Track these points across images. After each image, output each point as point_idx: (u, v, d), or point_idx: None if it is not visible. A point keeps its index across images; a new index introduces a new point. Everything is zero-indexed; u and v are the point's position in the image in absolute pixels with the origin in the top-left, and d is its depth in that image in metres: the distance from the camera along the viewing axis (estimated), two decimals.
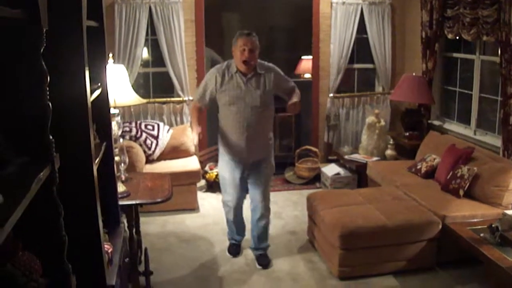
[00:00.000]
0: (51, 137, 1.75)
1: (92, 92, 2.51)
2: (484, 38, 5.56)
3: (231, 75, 4.53)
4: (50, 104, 1.73)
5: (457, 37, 6.19)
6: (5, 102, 1.70)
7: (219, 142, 4.81)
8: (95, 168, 2.41)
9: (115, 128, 3.92)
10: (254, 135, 4.58)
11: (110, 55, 4.07)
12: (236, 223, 5.00)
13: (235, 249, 5.09)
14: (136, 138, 6.27)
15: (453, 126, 6.65)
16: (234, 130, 4.59)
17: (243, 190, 4.85)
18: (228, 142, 4.67)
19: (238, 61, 4.47)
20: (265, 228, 4.90)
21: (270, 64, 4.70)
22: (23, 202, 1.41)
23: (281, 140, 8.14)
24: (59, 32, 2.01)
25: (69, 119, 2.16)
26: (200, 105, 4.79)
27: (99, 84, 2.91)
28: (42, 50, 1.69)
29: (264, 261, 4.85)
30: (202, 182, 6.85)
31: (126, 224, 4.08)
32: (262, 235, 4.91)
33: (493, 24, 5.34)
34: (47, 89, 1.72)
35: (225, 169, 4.78)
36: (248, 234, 5.09)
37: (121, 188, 3.91)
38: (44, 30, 1.69)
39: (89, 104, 2.32)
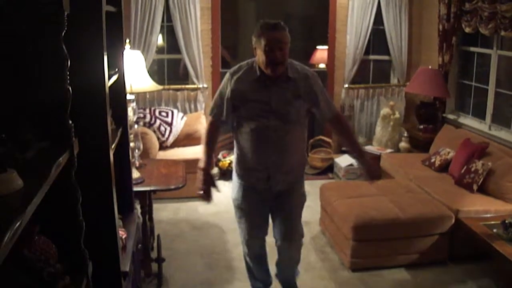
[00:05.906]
0: (70, 122, 1.75)
1: (109, 78, 2.50)
2: (502, 33, 5.49)
3: (252, 80, 3.36)
4: (70, 88, 1.72)
5: (475, 31, 6.13)
6: (27, 87, 1.69)
7: (234, 164, 3.69)
8: (111, 153, 2.41)
9: (131, 114, 3.93)
10: (280, 160, 3.48)
11: (127, 40, 4.07)
12: (257, 268, 3.97)
13: None
14: (150, 125, 6.28)
15: (468, 121, 6.59)
16: (253, 152, 3.47)
17: (265, 222, 3.79)
18: (246, 167, 3.57)
19: (263, 64, 3.26)
20: (293, 272, 4.02)
21: (308, 69, 3.52)
22: (43, 188, 1.41)
23: None
24: (79, 16, 1.99)
25: (87, 104, 2.15)
26: (216, 122, 3.55)
27: (116, 69, 2.91)
28: (63, 34, 1.68)
29: None
30: (215, 170, 6.84)
31: (139, 211, 4.09)
32: (289, 277, 4.03)
33: (511, 19, 5.27)
34: (68, 73, 1.71)
35: (240, 196, 3.67)
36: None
37: (135, 174, 3.92)
38: (66, 14, 1.68)
39: (107, 89, 2.31)
